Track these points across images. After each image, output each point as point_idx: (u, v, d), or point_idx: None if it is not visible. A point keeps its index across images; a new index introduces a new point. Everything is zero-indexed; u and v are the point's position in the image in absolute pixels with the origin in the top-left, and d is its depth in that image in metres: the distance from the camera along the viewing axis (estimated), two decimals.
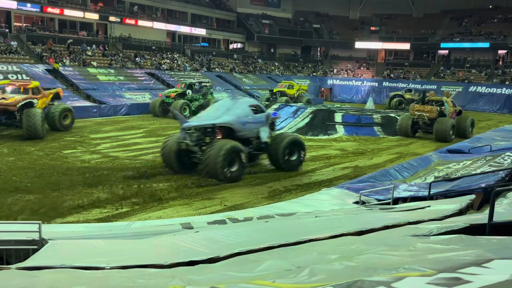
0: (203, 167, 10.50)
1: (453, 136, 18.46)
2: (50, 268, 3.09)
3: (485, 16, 47.97)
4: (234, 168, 10.61)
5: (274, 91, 32.06)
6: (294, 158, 12.19)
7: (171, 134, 12.44)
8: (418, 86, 39.93)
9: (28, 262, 3.32)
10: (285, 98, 30.41)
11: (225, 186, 10.22)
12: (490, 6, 48.82)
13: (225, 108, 11.95)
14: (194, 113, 23.18)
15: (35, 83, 17.64)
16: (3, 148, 13.71)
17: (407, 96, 32.19)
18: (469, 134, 19.30)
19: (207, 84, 26.84)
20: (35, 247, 3.68)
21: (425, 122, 19.21)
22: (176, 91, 24.34)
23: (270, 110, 13.40)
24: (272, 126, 12.79)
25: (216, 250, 3.67)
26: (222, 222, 5.86)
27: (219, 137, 11.19)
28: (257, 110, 12.30)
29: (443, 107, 19.24)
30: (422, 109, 19.43)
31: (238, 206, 8.72)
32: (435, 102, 20.12)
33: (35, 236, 3.76)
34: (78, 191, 9.30)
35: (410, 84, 41.24)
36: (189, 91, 24.30)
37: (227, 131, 11.33)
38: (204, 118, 11.87)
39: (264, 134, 11.94)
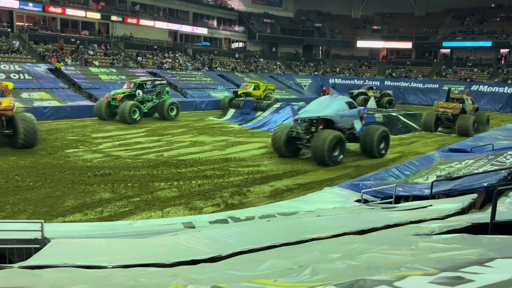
0: (313, 152, 12.89)
1: (473, 132, 19.42)
2: (52, 267, 3.10)
3: (487, 15, 47.84)
4: (336, 153, 12.83)
5: (239, 92, 28.50)
6: (382, 146, 14.38)
7: (279, 125, 16.32)
8: (420, 85, 39.94)
9: (30, 261, 3.32)
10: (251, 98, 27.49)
11: (226, 185, 10.24)
12: (493, 5, 48.67)
13: (326, 104, 14.31)
14: (147, 114, 22.17)
15: (10, 84, 15.95)
16: (4, 147, 13.72)
17: (370, 94, 32.39)
18: (485, 129, 20.68)
19: (163, 82, 24.54)
20: (37, 246, 3.69)
21: (448, 118, 20.43)
22: (123, 92, 21.76)
23: (360, 107, 15.49)
24: (361, 119, 15.06)
25: (218, 249, 3.67)
26: (224, 221, 5.86)
27: (321, 127, 13.47)
28: (350, 105, 14.44)
29: (464, 104, 20.50)
30: (446, 106, 20.58)
31: (240, 205, 8.73)
32: (457, 100, 21.26)
33: (37, 235, 3.77)
34: (80, 190, 9.32)
35: (412, 83, 41.23)
36: (139, 92, 22.07)
37: (328, 122, 13.60)
38: (310, 111, 14.19)
39: (358, 126, 14.56)
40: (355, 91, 32.88)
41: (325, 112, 13.69)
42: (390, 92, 35.08)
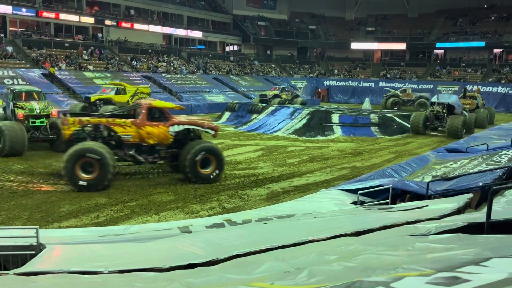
0: (449, 130, 19.81)
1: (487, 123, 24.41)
2: (48, 274, 3.08)
3: (480, 15, 48.18)
4: (463, 130, 19.81)
5: (92, 99, 21.39)
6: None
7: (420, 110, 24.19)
8: (414, 86, 40.15)
9: (25, 268, 3.30)
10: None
11: (222, 189, 10.22)
12: (485, 5, 49.04)
13: (447, 97, 22.07)
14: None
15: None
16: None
17: (283, 96, 32.26)
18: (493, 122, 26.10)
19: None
20: (33, 252, 3.67)
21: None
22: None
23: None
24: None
25: (215, 252, 3.66)
26: (221, 225, 5.85)
27: (445, 111, 20.61)
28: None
29: (476, 101, 25.52)
30: (464, 102, 24.06)
31: (236, 208, 8.71)
32: (470, 97, 26.03)
33: (33, 241, 3.75)
34: (75, 196, 9.27)
35: (407, 84, 41.40)
36: None
37: (451, 108, 20.50)
38: (442, 99, 21.31)
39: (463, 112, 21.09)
40: (269, 93, 31.64)
41: (450, 100, 20.85)
42: (298, 92, 36.29)
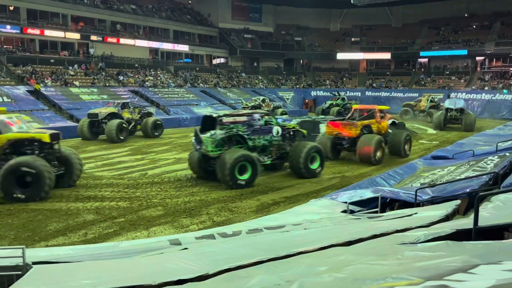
0: (466, 126, 25.41)
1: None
2: None
3: (462, 24, 49.16)
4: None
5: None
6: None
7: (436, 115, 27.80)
8: (401, 94, 40.63)
9: None
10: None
11: (212, 202, 10.18)
12: (466, 15, 50.06)
13: (456, 101, 28.32)
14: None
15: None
16: None
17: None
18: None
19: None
20: (19, 272, 3.60)
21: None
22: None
23: None
24: None
25: (205, 267, 3.62)
26: (211, 237, 5.81)
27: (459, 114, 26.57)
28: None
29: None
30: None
31: (227, 221, 8.67)
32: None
33: (19, 261, 3.67)
34: (63, 213, 9.15)
35: (393, 92, 41.90)
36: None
37: (462, 110, 26.79)
38: (452, 105, 27.03)
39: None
40: (249, 103, 31.43)
41: (460, 105, 27.17)
42: (278, 103, 35.76)
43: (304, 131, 14.85)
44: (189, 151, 13.78)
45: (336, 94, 37.11)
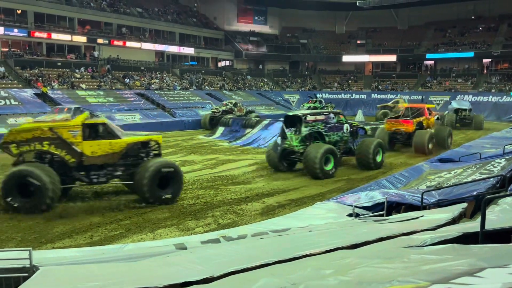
0: (475, 125, 26.62)
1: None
2: None
3: (468, 26, 48.93)
4: None
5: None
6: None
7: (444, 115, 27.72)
8: (407, 97, 40.54)
9: None
10: None
11: (218, 204, 10.18)
12: (473, 17, 49.83)
13: (462, 102, 30.54)
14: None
15: None
16: None
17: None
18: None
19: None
20: (26, 274, 3.62)
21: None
22: None
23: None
24: None
25: (210, 270, 3.63)
26: (216, 241, 5.81)
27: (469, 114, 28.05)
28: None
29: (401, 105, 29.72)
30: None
31: (232, 224, 8.67)
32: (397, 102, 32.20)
33: (26, 263, 3.70)
34: (69, 215, 9.19)
35: (399, 95, 41.77)
36: None
37: (470, 110, 28.71)
38: (459, 105, 28.99)
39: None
40: (220, 108, 29.12)
41: (466, 105, 28.86)
42: (251, 108, 32.34)
43: (367, 128, 17.80)
44: (195, 153, 13.90)
45: (313, 97, 36.33)
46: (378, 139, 15.80)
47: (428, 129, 18.31)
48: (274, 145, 14.29)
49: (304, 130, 13.77)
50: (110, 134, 10.50)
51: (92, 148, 10.18)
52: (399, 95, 41.87)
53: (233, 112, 28.22)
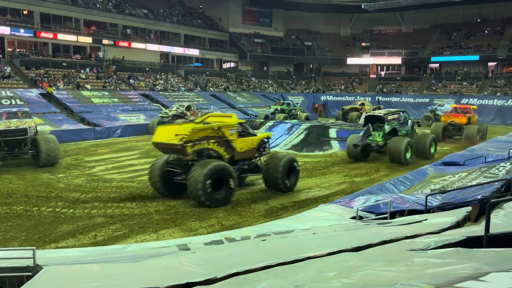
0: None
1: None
2: None
3: (474, 30, 48.74)
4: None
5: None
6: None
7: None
8: (411, 100, 40.42)
9: None
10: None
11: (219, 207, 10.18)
12: (478, 20, 49.64)
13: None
14: None
15: None
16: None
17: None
18: None
19: None
20: (30, 273, 3.63)
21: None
22: None
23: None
24: None
25: (213, 271, 3.63)
26: (219, 242, 5.81)
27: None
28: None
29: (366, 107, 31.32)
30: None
31: (235, 225, 8.67)
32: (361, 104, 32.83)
33: (29, 263, 3.71)
34: (72, 215, 9.22)
35: (403, 98, 41.67)
36: None
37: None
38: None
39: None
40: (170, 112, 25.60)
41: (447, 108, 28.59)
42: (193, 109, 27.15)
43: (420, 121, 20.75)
44: None
45: (281, 99, 35.02)
46: (432, 134, 18.84)
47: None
48: (352, 142, 16.39)
49: (387, 127, 16.64)
50: (249, 132, 12.19)
51: (241, 145, 11.52)
52: (403, 97, 41.80)
53: (186, 117, 24.42)
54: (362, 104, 34.03)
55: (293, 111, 32.03)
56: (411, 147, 16.06)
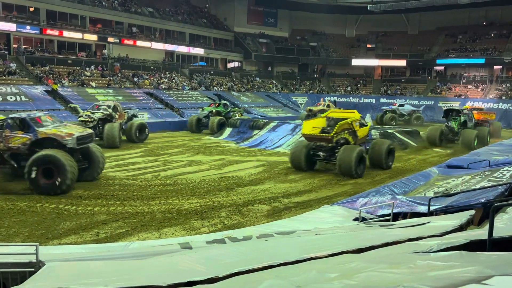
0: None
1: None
2: None
3: (479, 32, 48.55)
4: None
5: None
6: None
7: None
8: (415, 102, 40.32)
9: (25, 285, 3.28)
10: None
11: (224, 205, 10.19)
12: (484, 23, 49.45)
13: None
14: None
15: None
16: None
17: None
18: None
19: None
20: (32, 269, 3.64)
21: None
22: None
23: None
24: None
25: (215, 270, 3.63)
26: (221, 241, 5.80)
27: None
28: None
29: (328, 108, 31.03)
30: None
31: (237, 225, 8.67)
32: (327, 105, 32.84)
33: (32, 259, 3.72)
34: (76, 212, 9.25)
35: (408, 100, 41.55)
36: None
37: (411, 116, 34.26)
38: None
39: None
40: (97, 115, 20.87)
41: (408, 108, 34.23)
42: (134, 112, 26.13)
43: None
44: (202, 153, 14.02)
45: (216, 99, 32.80)
46: (476, 130, 21.81)
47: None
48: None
49: (462, 118, 22.14)
50: (363, 123, 15.77)
51: (360, 133, 15.12)
52: (408, 99, 41.66)
53: (114, 119, 21.08)
54: (328, 106, 33.40)
55: (231, 113, 27.74)
56: (478, 138, 19.88)
